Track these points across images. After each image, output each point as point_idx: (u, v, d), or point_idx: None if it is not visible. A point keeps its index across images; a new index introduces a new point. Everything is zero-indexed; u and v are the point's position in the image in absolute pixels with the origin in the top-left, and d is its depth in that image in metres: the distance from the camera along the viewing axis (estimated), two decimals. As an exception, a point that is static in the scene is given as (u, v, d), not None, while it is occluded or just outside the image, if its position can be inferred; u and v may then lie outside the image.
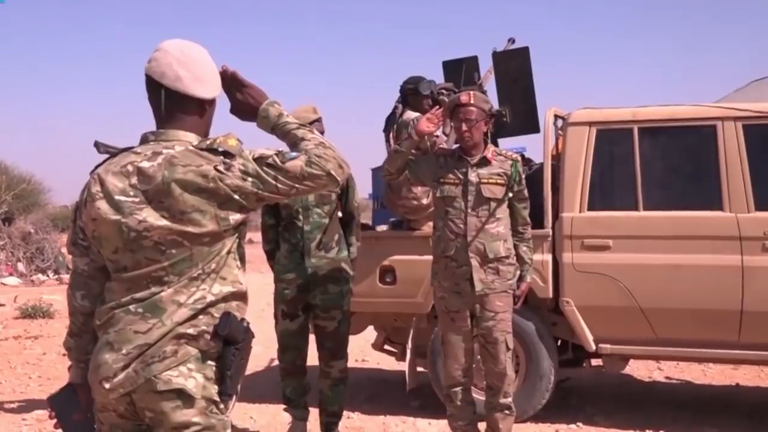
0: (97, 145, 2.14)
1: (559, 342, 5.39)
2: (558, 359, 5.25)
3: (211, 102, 2.15)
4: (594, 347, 5.05)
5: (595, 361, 5.51)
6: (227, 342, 2.01)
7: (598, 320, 5.01)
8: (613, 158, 5.17)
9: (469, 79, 5.60)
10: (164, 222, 1.98)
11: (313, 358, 4.61)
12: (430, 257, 4.37)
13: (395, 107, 5.56)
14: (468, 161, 4.22)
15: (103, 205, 2.03)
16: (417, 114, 5.25)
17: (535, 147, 5.54)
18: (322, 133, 4.36)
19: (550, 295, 5.09)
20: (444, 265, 4.23)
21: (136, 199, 2.00)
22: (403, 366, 5.51)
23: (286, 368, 4.61)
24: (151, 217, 1.98)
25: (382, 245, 5.42)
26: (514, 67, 5.55)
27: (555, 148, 5.41)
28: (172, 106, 2.09)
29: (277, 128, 2.18)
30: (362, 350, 7.21)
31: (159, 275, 2.00)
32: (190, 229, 1.98)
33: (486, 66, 5.74)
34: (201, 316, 2.00)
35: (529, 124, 5.62)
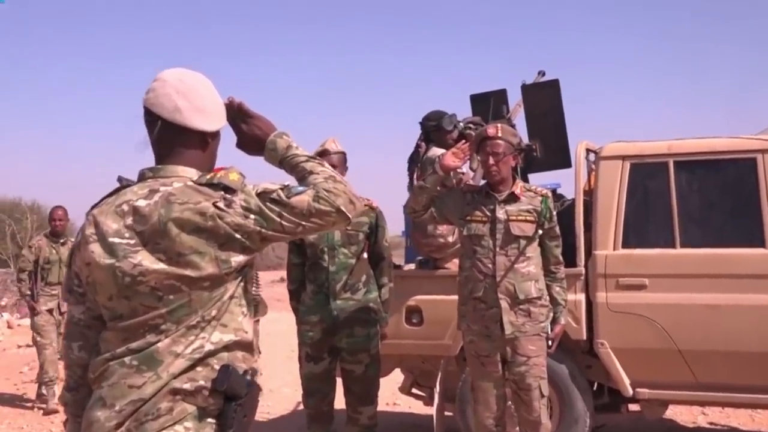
0: (120, 180, 2.00)
1: (595, 386, 5.17)
2: (593, 404, 5.02)
3: (214, 135, 2.00)
4: (631, 392, 4.82)
5: (632, 406, 5.27)
6: (228, 397, 1.83)
7: (634, 363, 4.79)
8: (648, 193, 4.97)
9: (498, 113, 5.48)
10: (161, 266, 1.81)
11: (341, 402, 4.42)
12: (457, 297, 4.19)
13: (418, 145, 5.44)
14: (496, 197, 4.06)
15: (96, 249, 1.88)
16: (443, 150, 5.11)
17: (568, 182, 5.37)
18: (337, 167, 4.18)
19: (584, 337, 4.89)
20: (472, 307, 4.05)
21: (132, 242, 1.85)
22: (432, 410, 5.31)
23: (312, 414, 4.42)
24: (146, 260, 1.82)
25: (408, 284, 5.24)
26: (544, 100, 5.43)
27: (587, 184, 5.24)
28: (170, 139, 1.94)
29: (284, 161, 2.02)
30: (393, 393, 7.00)
31: (156, 323, 1.84)
32: (188, 272, 1.81)
33: (515, 99, 5.63)
34: (199, 368, 1.83)
35: (560, 159, 5.47)
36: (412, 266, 5.81)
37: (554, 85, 5.46)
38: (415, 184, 4.82)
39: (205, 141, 1.97)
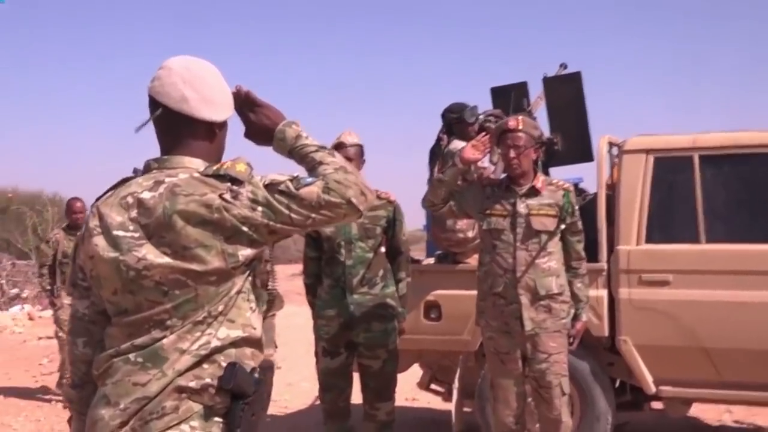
0: (135, 171, 1.94)
1: (617, 383, 5.08)
2: (616, 402, 4.93)
3: (222, 125, 1.94)
4: (654, 389, 4.74)
5: (655, 404, 5.18)
6: (236, 396, 1.77)
7: (657, 360, 4.70)
8: (673, 188, 4.88)
9: (519, 106, 5.39)
10: (166, 259, 1.75)
11: (358, 398, 4.37)
12: (476, 292, 4.12)
13: (439, 137, 5.37)
14: (516, 191, 3.99)
15: (100, 242, 1.82)
16: (464, 143, 5.05)
17: (591, 177, 5.29)
18: (353, 160, 4.12)
19: (606, 334, 4.80)
20: (492, 303, 3.98)
21: (136, 234, 1.79)
22: (451, 406, 5.25)
23: (328, 409, 4.38)
24: (151, 254, 1.76)
25: (427, 279, 5.18)
26: (565, 93, 5.36)
27: (610, 178, 5.16)
28: (177, 129, 1.87)
29: (294, 151, 1.95)
30: (412, 388, 6.93)
31: (161, 318, 1.78)
32: (194, 266, 1.75)
33: (536, 92, 5.56)
34: (205, 365, 1.77)
35: (582, 153, 5.39)
36: (431, 261, 5.75)
37: (576, 77, 5.38)
38: (434, 177, 4.76)
39: (213, 131, 1.91)
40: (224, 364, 1.77)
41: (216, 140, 1.92)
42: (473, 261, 5.13)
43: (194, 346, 1.75)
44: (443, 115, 5.37)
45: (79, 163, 50.12)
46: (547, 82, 5.44)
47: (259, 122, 1.98)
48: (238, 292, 1.81)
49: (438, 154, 5.32)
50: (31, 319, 13.70)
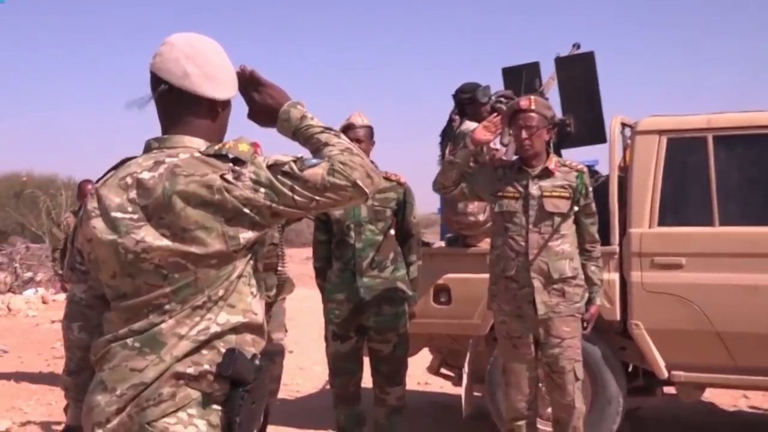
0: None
1: (629, 368, 5.03)
2: (627, 386, 4.89)
3: (225, 104, 1.89)
4: (666, 374, 4.69)
5: (668, 389, 5.14)
6: (235, 383, 1.73)
7: (670, 345, 4.64)
8: (686, 169, 4.81)
9: (530, 87, 5.33)
10: (165, 242, 1.71)
11: (368, 382, 4.34)
12: (487, 276, 4.08)
13: (451, 119, 5.31)
14: (529, 173, 3.93)
15: (98, 224, 1.78)
16: (476, 124, 4.99)
17: (604, 159, 5.24)
18: (363, 141, 4.07)
19: (618, 318, 4.75)
20: (504, 287, 3.93)
21: (135, 216, 1.74)
22: (461, 391, 5.22)
23: (338, 394, 4.34)
24: (150, 236, 1.72)
25: (437, 262, 5.14)
26: (578, 74, 5.29)
27: (623, 160, 5.09)
28: (178, 107, 1.82)
29: (298, 132, 1.90)
30: (424, 373, 6.93)
31: (160, 303, 1.73)
32: (193, 249, 1.70)
33: (548, 73, 5.51)
34: (204, 351, 1.72)
35: (595, 134, 5.34)
36: (442, 244, 5.71)
37: (589, 57, 5.31)
38: (445, 159, 4.70)
39: (215, 110, 1.86)
40: (224, 350, 1.73)
41: (218, 119, 1.87)
42: (484, 244, 5.09)
43: (193, 331, 1.72)
44: (455, 96, 5.30)
45: (93, 148, 50.28)
46: (560, 62, 5.38)
47: (263, 102, 1.93)
48: (239, 277, 1.77)
49: (450, 136, 5.26)
50: (44, 302, 13.75)
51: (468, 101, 5.20)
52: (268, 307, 4.50)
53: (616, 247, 4.77)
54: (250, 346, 1.79)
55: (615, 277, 4.75)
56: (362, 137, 4.11)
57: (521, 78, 5.43)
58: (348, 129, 4.09)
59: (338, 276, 4.24)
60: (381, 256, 4.20)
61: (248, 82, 1.93)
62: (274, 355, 4.51)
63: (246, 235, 1.74)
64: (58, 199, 20.76)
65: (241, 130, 1.87)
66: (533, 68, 5.54)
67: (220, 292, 1.74)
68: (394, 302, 4.21)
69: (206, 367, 1.71)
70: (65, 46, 55.29)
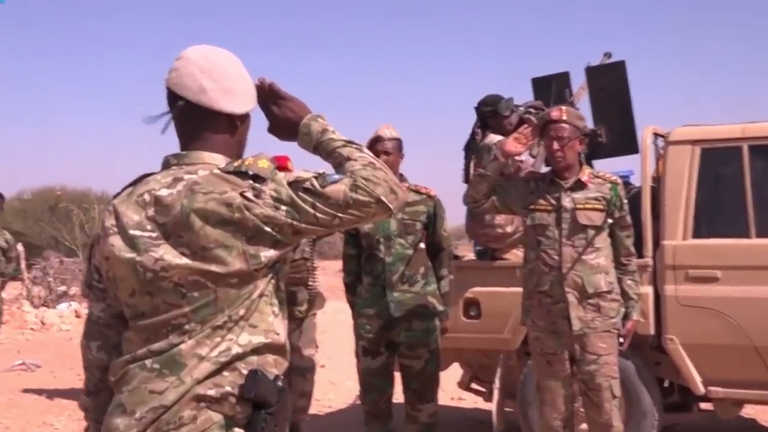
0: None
1: (665, 383, 4.93)
2: (663, 403, 4.79)
3: (244, 117, 1.85)
4: (703, 390, 4.59)
5: (704, 405, 5.03)
6: (257, 405, 1.68)
7: (706, 360, 4.54)
8: (720, 180, 4.72)
9: (560, 97, 5.29)
10: (184, 260, 1.67)
11: (399, 397, 4.29)
12: (517, 289, 4.04)
13: (474, 132, 5.27)
14: (561, 185, 3.87)
15: (116, 242, 1.74)
16: (500, 137, 4.94)
17: (636, 169, 5.16)
18: (392, 154, 4.04)
19: (652, 332, 4.66)
20: (538, 302, 3.86)
21: (153, 234, 1.71)
22: (492, 406, 5.14)
23: (369, 410, 4.28)
24: (169, 254, 1.69)
25: (465, 276, 5.06)
26: (609, 83, 5.23)
27: (655, 170, 5.02)
28: (196, 123, 1.79)
29: (319, 146, 1.85)
30: (457, 388, 6.87)
31: (179, 323, 1.70)
32: (213, 268, 1.67)
33: (578, 82, 5.45)
34: (226, 373, 1.68)
35: (627, 144, 5.26)
36: (471, 256, 5.66)
37: (620, 66, 5.25)
38: (473, 172, 4.65)
39: (234, 124, 1.82)
40: (245, 372, 1.69)
41: (237, 134, 1.83)
42: (512, 257, 5.04)
43: (214, 352, 1.68)
44: (477, 109, 5.26)
45: (126, 162, 50.84)
46: (591, 71, 5.33)
47: (284, 116, 1.89)
48: (261, 296, 1.73)
49: (473, 149, 5.22)
50: (78, 316, 13.82)
51: (490, 114, 5.15)
52: (299, 322, 4.47)
53: (649, 260, 4.70)
54: (273, 367, 1.74)
55: (648, 290, 4.66)
56: (391, 150, 4.08)
57: (551, 88, 5.39)
58: (376, 142, 4.07)
59: (368, 291, 4.20)
60: (411, 271, 4.15)
61: (267, 95, 1.90)
62: (305, 371, 4.48)
63: (267, 254, 1.70)
64: (91, 213, 20.95)
65: (263, 144, 1.84)
66: (563, 78, 5.49)
67: (241, 312, 1.70)
68: (425, 317, 4.15)
69: (228, 389, 1.67)
70: (101, 62, 56.16)
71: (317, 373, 4.90)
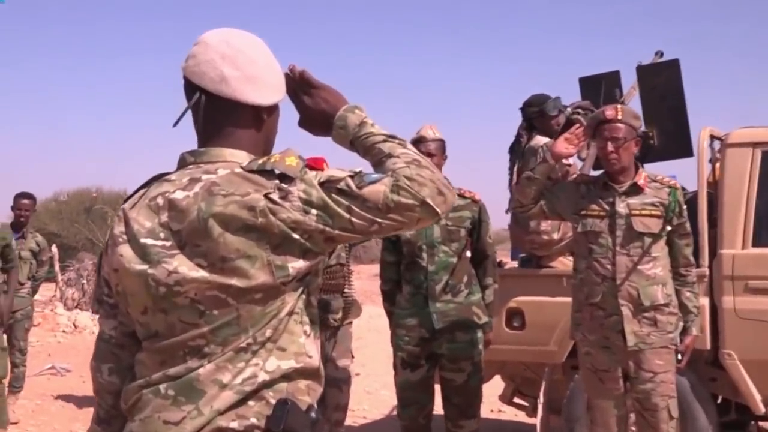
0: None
1: (720, 399, 4.69)
2: (719, 421, 4.53)
3: (271, 109, 1.64)
4: (763, 409, 4.33)
5: (764, 424, 4.75)
6: None
7: (767, 377, 4.26)
8: (783, 185, 4.45)
9: (610, 97, 5.09)
10: (201, 273, 1.46)
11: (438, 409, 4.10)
12: (563, 299, 3.83)
13: (519, 134, 5.08)
14: (615, 189, 3.64)
15: (126, 252, 1.54)
16: (547, 139, 4.72)
17: (687, 173, 4.91)
18: (434, 156, 3.84)
19: (708, 346, 4.41)
20: (589, 314, 3.64)
21: (167, 243, 1.50)
22: (536, 422, 4.92)
23: (407, 426, 4.11)
24: (184, 266, 1.48)
25: (509, 284, 4.85)
26: (662, 83, 5.01)
27: (711, 175, 4.77)
28: (216, 116, 1.58)
29: (356, 141, 1.64)
30: (497, 400, 6.66)
31: (198, 345, 1.49)
32: (234, 281, 1.45)
33: (629, 82, 5.23)
34: (251, 402, 1.47)
35: (681, 147, 5.04)
36: (513, 263, 5.44)
37: (673, 65, 5.02)
38: (521, 175, 4.43)
39: (260, 117, 1.61)
40: (274, 402, 1.47)
41: (264, 128, 1.63)
42: (559, 265, 4.84)
43: (237, 379, 1.46)
44: (522, 110, 5.08)
45: (163, 163, 51.39)
46: (642, 70, 5.11)
47: (317, 107, 1.69)
48: (290, 314, 1.51)
49: (518, 152, 5.04)
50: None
51: (536, 115, 4.99)
52: (334, 331, 4.29)
53: (705, 270, 4.47)
54: (305, 394, 1.52)
55: (705, 302, 4.42)
56: (434, 151, 3.92)
57: (600, 88, 5.19)
58: (419, 143, 3.91)
59: (409, 300, 4.03)
60: (455, 280, 3.97)
61: (298, 85, 1.69)
62: (340, 382, 4.31)
63: (296, 265, 1.48)
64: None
65: (292, 140, 1.62)
66: (613, 77, 5.30)
67: (268, 333, 1.49)
68: (469, 329, 3.98)
69: (253, 420, 1.46)
70: (138, 63, 56.85)
71: (351, 384, 4.71)
